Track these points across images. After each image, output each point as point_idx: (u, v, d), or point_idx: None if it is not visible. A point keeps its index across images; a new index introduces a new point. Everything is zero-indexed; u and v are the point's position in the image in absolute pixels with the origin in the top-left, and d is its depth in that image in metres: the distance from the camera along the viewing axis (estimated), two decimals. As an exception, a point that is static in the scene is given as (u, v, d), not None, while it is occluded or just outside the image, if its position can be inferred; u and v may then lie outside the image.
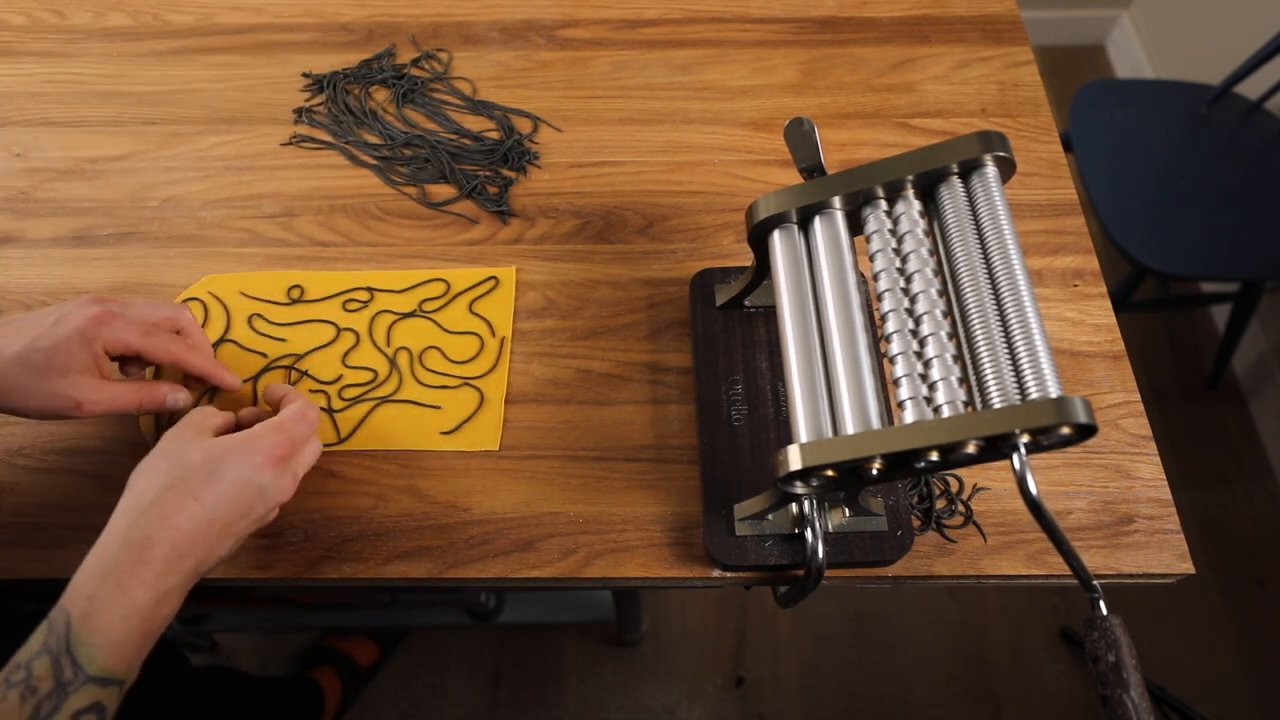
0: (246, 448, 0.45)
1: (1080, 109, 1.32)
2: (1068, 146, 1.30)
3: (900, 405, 0.40)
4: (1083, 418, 0.36)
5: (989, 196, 0.44)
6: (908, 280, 0.44)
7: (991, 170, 0.45)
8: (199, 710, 0.90)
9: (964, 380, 0.40)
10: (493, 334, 0.61)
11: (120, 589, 0.39)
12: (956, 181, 0.45)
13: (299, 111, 0.73)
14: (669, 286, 0.64)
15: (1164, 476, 0.56)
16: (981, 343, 0.40)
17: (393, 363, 0.60)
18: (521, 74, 0.76)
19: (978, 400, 0.39)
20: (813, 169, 0.49)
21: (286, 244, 0.66)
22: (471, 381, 0.59)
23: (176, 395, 0.52)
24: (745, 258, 0.65)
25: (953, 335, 0.42)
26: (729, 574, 0.52)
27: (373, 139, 0.72)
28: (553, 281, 0.64)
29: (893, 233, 0.45)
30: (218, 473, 0.44)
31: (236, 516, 0.44)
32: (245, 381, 0.59)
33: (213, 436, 0.47)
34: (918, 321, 0.42)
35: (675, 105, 0.74)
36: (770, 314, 0.59)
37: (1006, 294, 0.41)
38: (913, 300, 0.43)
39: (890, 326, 0.42)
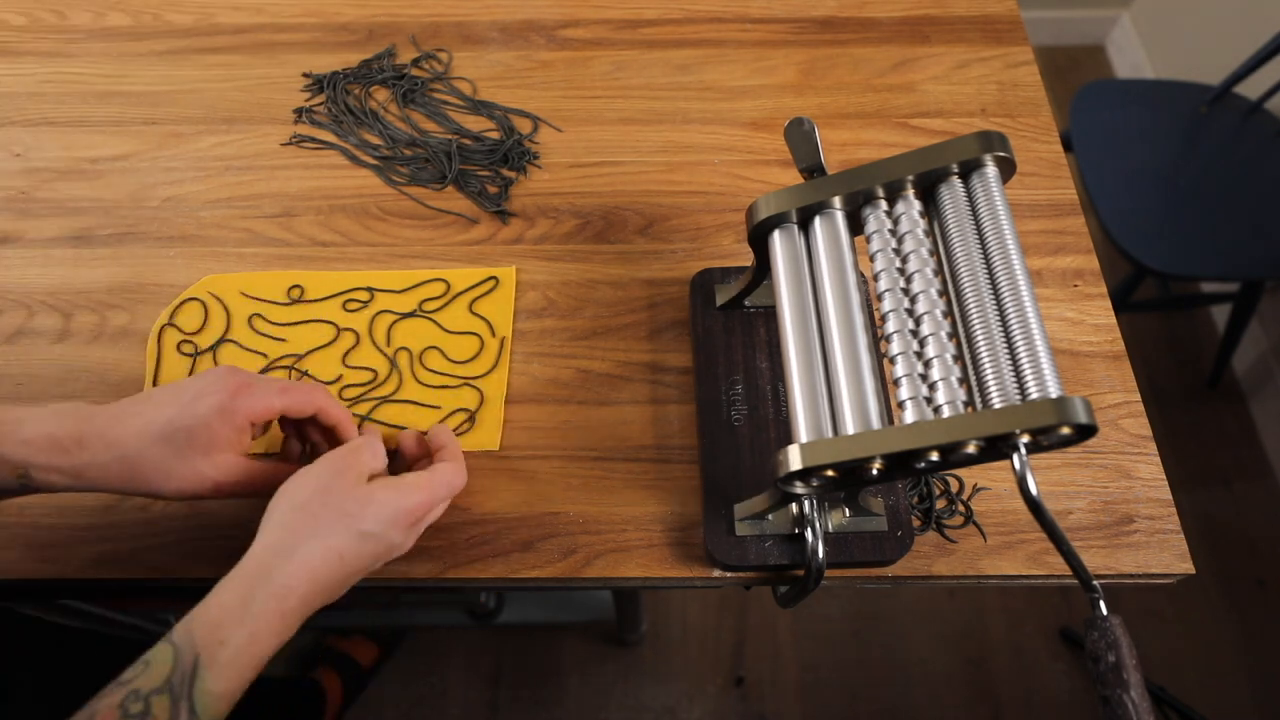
0: (395, 506, 0.44)
1: (1080, 109, 1.32)
2: (1068, 146, 1.30)
3: (900, 405, 0.40)
4: (1083, 418, 0.36)
5: (989, 196, 0.44)
6: (908, 280, 0.44)
7: (991, 170, 0.45)
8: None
9: (964, 380, 0.40)
10: (493, 334, 0.61)
11: (253, 639, 0.39)
12: (956, 181, 0.45)
13: (299, 111, 0.73)
14: (669, 286, 0.64)
15: (1164, 476, 0.56)
16: (981, 343, 0.40)
17: (393, 363, 0.60)
18: (521, 74, 0.76)
19: (978, 400, 0.39)
20: (813, 169, 0.49)
21: (286, 244, 0.66)
22: (471, 381, 0.59)
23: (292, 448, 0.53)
24: (745, 258, 0.65)
25: (953, 335, 0.42)
26: (729, 574, 0.52)
27: (373, 139, 0.72)
28: (553, 281, 0.64)
29: (893, 233, 0.45)
30: (366, 531, 0.43)
31: (363, 569, 0.44)
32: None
33: (371, 481, 0.46)
34: (918, 321, 0.42)
35: (675, 105, 0.74)
36: (770, 314, 0.59)
37: (1006, 294, 0.41)
38: (913, 300, 0.43)
39: (890, 326, 0.42)
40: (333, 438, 0.51)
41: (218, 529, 0.54)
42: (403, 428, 0.57)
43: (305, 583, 0.41)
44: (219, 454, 0.45)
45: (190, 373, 0.59)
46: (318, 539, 0.42)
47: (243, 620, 0.39)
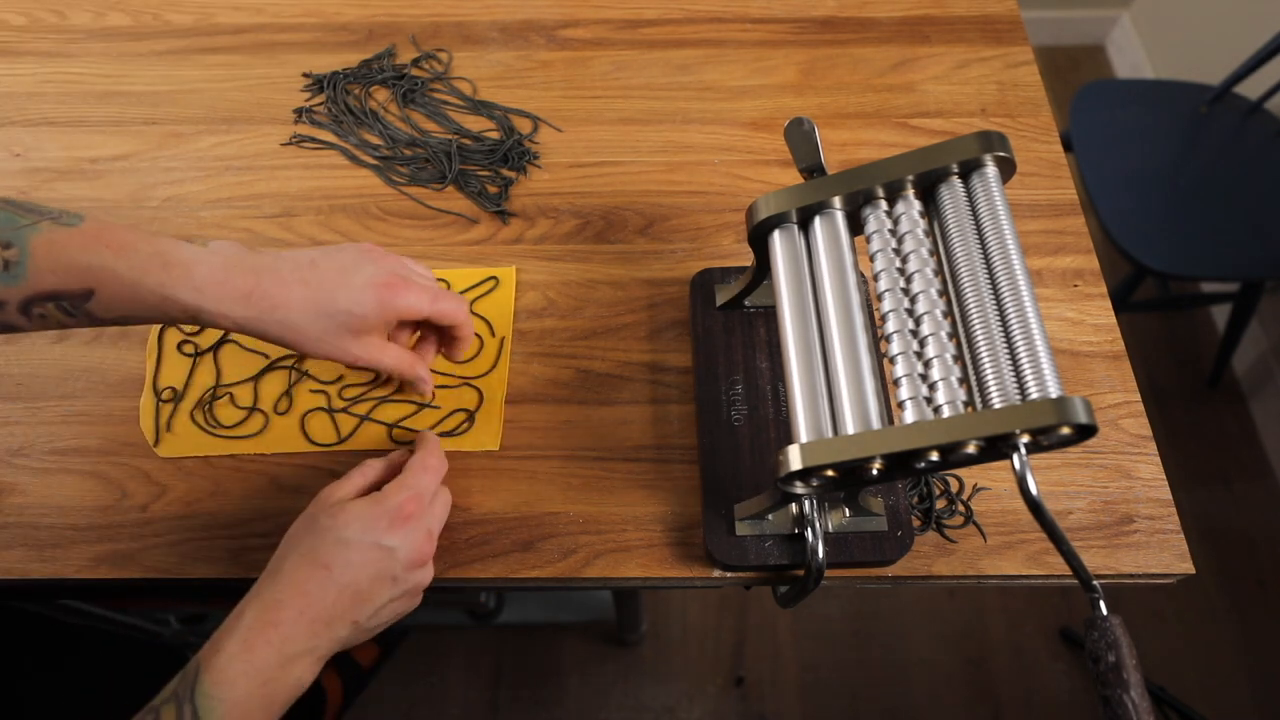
0: (370, 512, 0.45)
1: (1080, 109, 1.32)
2: (1068, 146, 1.30)
3: (900, 405, 0.40)
4: (1083, 418, 0.36)
5: (989, 196, 0.44)
6: (908, 280, 0.44)
7: (991, 170, 0.45)
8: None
9: (964, 380, 0.40)
10: (493, 334, 0.61)
11: (246, 646, 0.40)
12: (956, 181, 0.45)
13: (299, 111, 0.73)
14: (669, 286, 0.64)
15: (1164, 476, 0.56)
16: (981, 343, 0.40)
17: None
18: (521, 74, 0.76)
19: (978, 400, 0.39)
20: (813, 169, 0.49)
21: (287, 244, 0.66)
22: (471, 381, 0.59)
23: (425, 378, 0.54)
24: (745, 258, 0.65)
25: (953, 335, 0.42)
26: (729, 574, 0.52)
27: (373, 139, 0.72)
28: (553, 281, 0.64)
29: (893, 233, 0.45)
30: (345, 539, 0.44)
31: (368, 581, 0.44)
32: (245, 381, 0.59)
33: (352, 499, 0.47)
34: (918, 321, 0.42)
35: (675, 105, 0.74)
36: (770, 314, 0.59)
37: (1006, 294, 0.41)
38: (913, 300, 0.43)
39: (890, 326, 0.42)
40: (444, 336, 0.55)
41: (218, 529, 0.54)
42: (396, 424, 0.57)
43: (293, 595, 0.42)
44: (367, 336, 0.49)
45: (190, 373, 0.59)
46: (299, 553, 0.44)
47: (234, 630, 0.41)
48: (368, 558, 0.44)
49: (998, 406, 0.38)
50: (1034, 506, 0.37)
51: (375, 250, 0.51)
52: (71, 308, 0.45)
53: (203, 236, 0.66)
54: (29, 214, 0.44)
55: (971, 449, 0.38)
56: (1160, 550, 0.53)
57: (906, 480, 0.55)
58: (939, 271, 0.44)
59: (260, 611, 0.42)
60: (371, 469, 0.50)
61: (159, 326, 0.61)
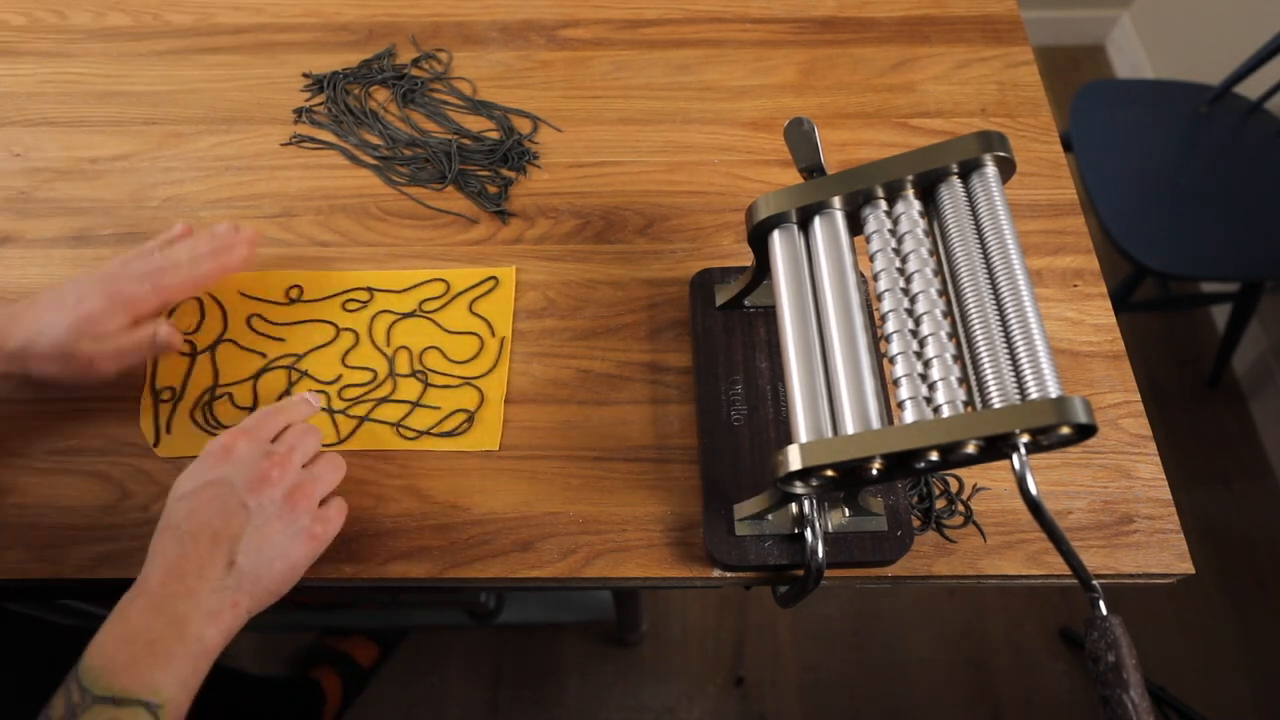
0: (199, 459, 0.46)
1: (1080, 109, 1.32)
2: (1068, 146, 1.30)
3: (900, 405, 0.40)
4: (1083, 418, 0.36)
5: (989, 196, 0.44)
6: (908, 280, 0.44)
7: (991, 170, 0.45)
8: (198, 711, 0.90)
9: (964, 380, 0.40)
10: (493, 334, 0.61)
11: (121, 619, 0.41)
12: (956, 181, 0.45)
13: (299, 111, 0.73)
14: (669, 286, 0.64)
15: (1164, 476, 0.56)
16: (981, 343, 0.40)
17: (392, 363, 0.60)
18: (521, 74, 0.76)
19: (978, 400, 0.39)
20: (813, 169, 0.49)
21: (286, 244, 0.66)
22: (471, 381, 0.59)
23: (159, 330, 0.54)
24: (745, 258, 0.65)
25: (953, 335, 0.42)
26: (729, 574, 0.52)
27: (373, 139, 0.72)
28: (553, 281, 0.64)
29: (893, 233, 0.45)
30: (181, 494, 0.45)
31: (215, 517, 0.44)
32: (244, 381, 0.59)
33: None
34: (918, 321, 0.42)
35: (675, 105, 0.74)
36: (770, 314, 0.59)
37: (1006, 294, 0.41)
38: (913, 300, 0.43)
39: (890, 326, 0.42)
40: None
41: None
42: (395, 424, 0.57)
43: (155, 565, 0.43)
44: (99, 339, 0.51)
45: (188, 373, 0.59)
46: (160, 532, 0.45)
47: (112, 614, 0.42)
48: (204, 496, 0.44)
49: (997, 406, 0.38)
50: (1034, 506, 0.37)
51: (91, 280, 0.53)
52: None
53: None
54: None
55: (971, 449, 0.38)
56: (1160, 550, 0.53)
57: (906, 480, 0.55)
58: (939, 271, 0.44)
59: (133, 590, 0.42)
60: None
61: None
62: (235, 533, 0.44)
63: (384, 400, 0.58)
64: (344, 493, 0.55)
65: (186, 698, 0.42)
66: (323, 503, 0.49)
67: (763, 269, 0.52)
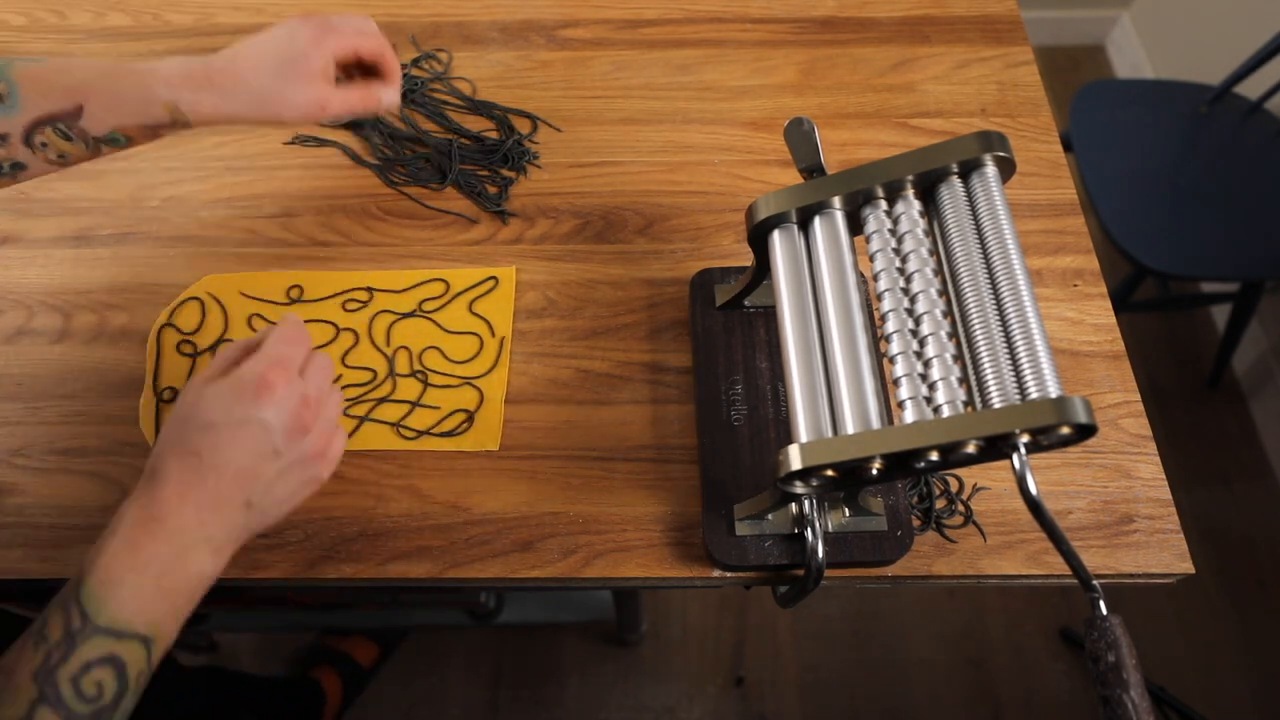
0: (229, 389, 0.43)
1: (1080, 109, 1.32)
2: (1068, 146, 1.30)
3: (900, 405, 0.40)
4: (1082, 418, 0.36)
5: (989, 196, 0.44)
6: (908, 280, 0.44)
7: (991, 170, 0.45)
8: (198, 712, 0.90)
9: (964, 380, 0.40)
10: (492, 334, 0.61)
11: (130, 544, 0.39)
12: (956, 181, 0.45)
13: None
14: (669, 286, 0.64)
15: (1164, 476, 0.56)
16: (981, 343, 0.40)
17: (391, 363, 0.60)
18: (521, 74, 0.76)
19: (978, 400, 0.39)
20: (813, 169, 0.49)
21: (286, 244, 0.66)
22: (471, 381, 0.59)
23: (388, 92, 0.58)
24: (745, 258, 0.65)
25: (953, 335, 0.42)
26: (729, 574, 0.52)
27: (373, 139, 0.72)
28: (553, 281, 0.64)
29: (893, 233, 0.45)
30: (209, 422, 0.42)
31: (246, 458, 0.42)
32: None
33: (212, 381, 0.44)
34: (918, 321, 0.42)
35: (675, 105, 0.74)
36: (770, 314, 0.59)
37: (1006, 294, 0.41)
38: (913, 300, 0.43)
39: (890, 326, 0.42)
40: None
41: (218, 529, 0.54)
42: (395, 424, 0.57)
43: (171, 488, 0.41)
44: (320, 82, 0.55)
45: (189, 373, 0.59)
46: (170, 447, 0.42)
47: (116, 531, 0.40)
48: (238, 435, 0.42)
49: (997, 406, 0.38)
50: (1034, 506, 0.37)
51: (302, 19, 0.56)
52: (67, 129, 0.50)
53: (202, 237, 0.66)
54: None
55: (971, 449, 0.38)
56: (1160, 550, 0.53)
57: (906, 480, 0.55)
58: (939, 271, 0.44)
59: (141, 509, 0.40)
60: (232, 349, 0.47)
61: (157, 326, 0.61)
62: (260, 475, 0.42)
63: (384, 400, 0.58)
64: (344, 493, 0.55)
65: (177, 630, 0.41)
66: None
67: (763, 269, 0.52)
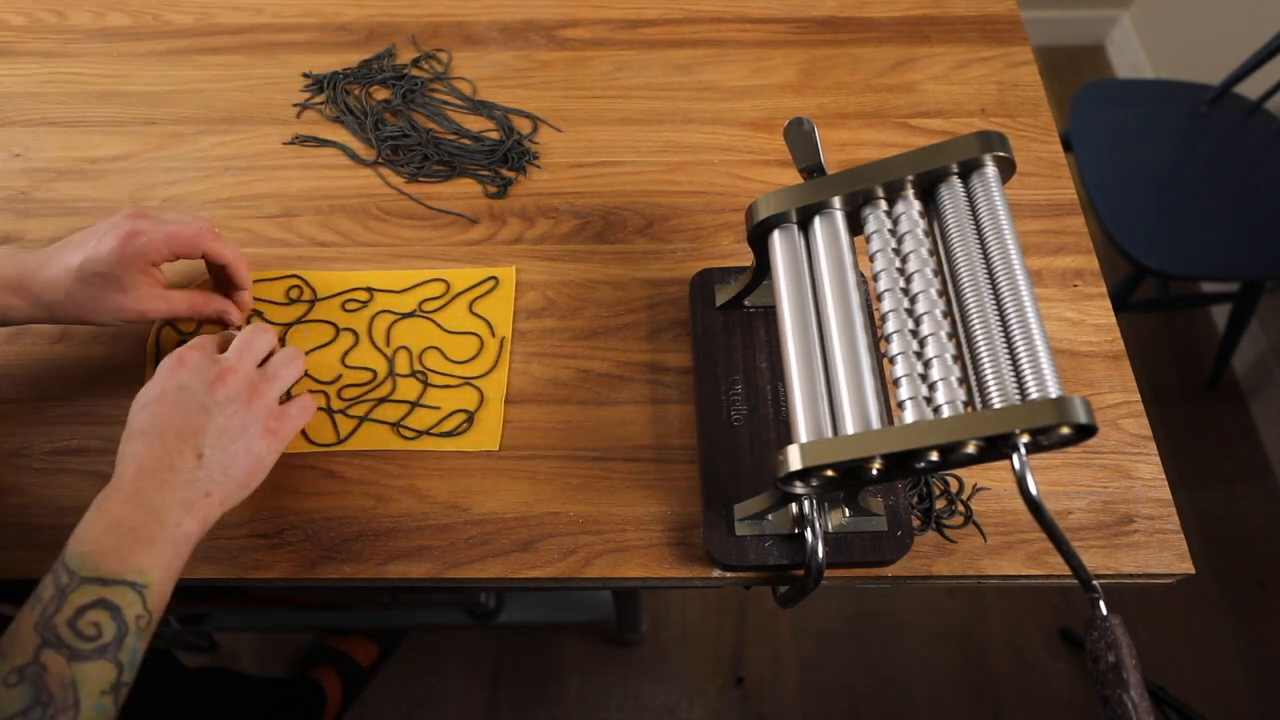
0: (154, 375, 0.49)
1: (1080, 109, 1.32)
2: (1068, 146, 1.30)
3: (900, 405, 0.40)
4: (1082, 418, 0.36)
5: (989, 196, 0.44)
6: (908, 280, 0.44)
7: (991, 170, 0.45)
8: (198, 712, 0.90)
9: (964, 380, 0.40)
10: (493, 334, 0.61)
11: (98, 510, 0.43)
12: (956, 181, 0.45)
13: (300, 106, 0.73)
14: (669, 286, 0.64)
15: (1164, 476, 0.56)
16: (981, 343, 0.40)
17: (391, 363, 0.60)
18: (521, 74, 0.76)
19: (978, 400, 0.39)
20: (813, 169, 0.49)
21: (286, 244, 0.66)
22: (471, 381, 0.59)
23: (228, 309, 0.56)
24: (745, 258, 0.65)
25: (953, 335, 0.42)
26: (729, 574, 0.52)
27: (373, 139, 0.72)
28: (553, 281, 0.64)
29: (893, 233, 0.45)
30: (144, 403, 0.47)
31: (179, 417, 0.46)
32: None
33: None
34: (918, 321, 0.42)
35: (675, 105, 0.74)
36: (770, 314, 0.59)
37: (1006, 294, 0.41)
38: (913, 300, 0.43)
39: (890, 326, 0.42)
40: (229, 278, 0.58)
41: (217, 529, 0.54)
42: (395, 424, 0.57)
43: (128, 464, 0.45)
44: (135, 290, 0.52)
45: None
46: (129, 436, 0.47)
47: (90, 508, 0.44)
48: (165, 403, 0.47)
49: (997, 406, 0.38)
50: (1034, 506, 0.37)
51: (121, 215, 0.53)
52: None
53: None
54: None
55: (971, 449, 0.38)
56: (1160, 550, 0.53)
57: (906, 480, 0.55)
58: (939, 271, 0.44)
59: (110, 488, 0.44)
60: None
61: (157, 326, 0.61)
62: (198, 429, 0.46)
63: (384, 400, 0.58)
64: (344, 493, 0.55)
65: (169, 582, 0.43)
66: (289, 400, 0.52)
67: (763, 269, 0.52)
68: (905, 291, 0.43)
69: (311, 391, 0.59)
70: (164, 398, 0.47)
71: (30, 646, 0.39)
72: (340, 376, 0.59)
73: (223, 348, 0.52)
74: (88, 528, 0.42)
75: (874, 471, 0.40)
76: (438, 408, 0.58)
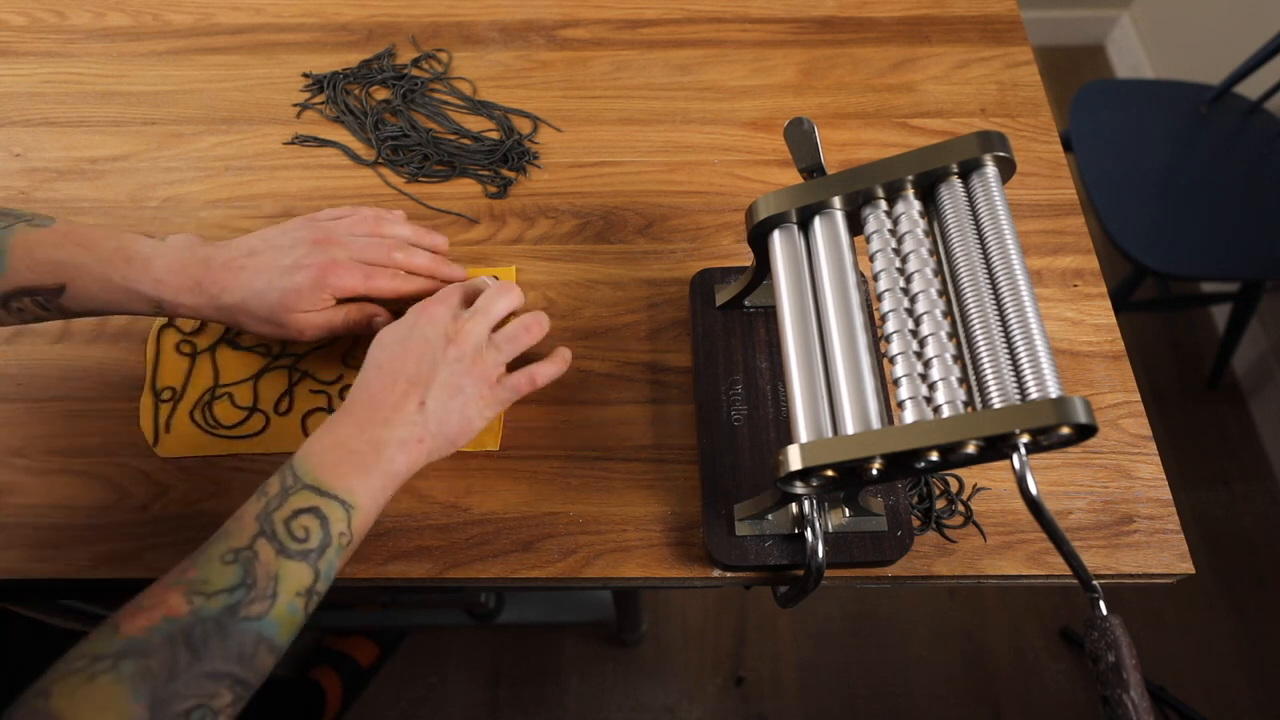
0: (406, 314, 0.52)
1: (1080, 109, 1.32)
2: (1068, 146, 1.30)
3: (900, 405, 0.40)
4: (1082, 418, 0.36)
5: (989, 196, 0.44)
6: (908, 280, 0.44)
7: (991, 170, 0.45)
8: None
9: (964, 380, 0.40)
10: (493, 334, 0.61)
11: (328, 428, 0.47)
12: (956, 181, 0.45)
13: (300, 106, 0.73)
14: (669, 286, 0.64)
15: (1164, 476, 0.56)
16: (981, 343, 0.40)
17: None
18: (521, 74, 0.76)
19: (978, 400, 0.39)
20: (813, 169, 0.49)
21: (286, 244, 0.66)
22: (471, 381, 0.59)
23: (378, 318, 0.57)
24: (745, 258, 0.65)
25: (953, 335, 0.42)
26: (729, 574, 0.52)
27: (373, 139, 0.72)
28: (553, 281, 0.64)
29: (893, 233, 0.45)
30: (387, 340, 0.51)
31: (412, 365, 0.49)
32: (244, 381, 0.59)
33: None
34: (918, 321, 0.42)
35: (675, 105, 0.74)
36: (770, 314, 0.59)
37: (1006, 294, 0.41)
38: (913, 300, 0.43)
39: (890, 326, 0.42)
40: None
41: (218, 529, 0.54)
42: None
43: (361, 393, 0.49)
44: (306, 312, 0.53)
45: (188, 373, 0.59)
46: (370, 368, 0.50)
47: (321, 426, 0.48)
48: (408, 346, 0.50)
49: (997, 406, 0.38)
50: (1034, 506, 0.37)
51: (316, 226, 0.55)
52: (46, 302, 0.51)
53: (203, 237, 0.66)
54: (4, 217, 0.51)
55: (971, 449, 0.38)
56: (1160, 550, 0.53)
57: (906, 480, 0.55)
58: (939, 271, 0.44)
59: (342, 411, 0.48)
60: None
61: (157, 326, 0.61)
62: (428, 379, 0.49)
63: (384, 400, 0.58)
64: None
65: (375, 509, 0.46)
66: (519, 368, 0.54)
67: (763, 269, 0.52)
68: (905, 291, 0.43)
69: (312, 391, 0.59)
70: (407, 342, 0.50)
71: (249, 533, 0.42)
72: (341, 376, 0.59)
73: (468, 299, 0.54)
74: (317, 440, 0.46)
75: (874, 471, 0.40)
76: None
